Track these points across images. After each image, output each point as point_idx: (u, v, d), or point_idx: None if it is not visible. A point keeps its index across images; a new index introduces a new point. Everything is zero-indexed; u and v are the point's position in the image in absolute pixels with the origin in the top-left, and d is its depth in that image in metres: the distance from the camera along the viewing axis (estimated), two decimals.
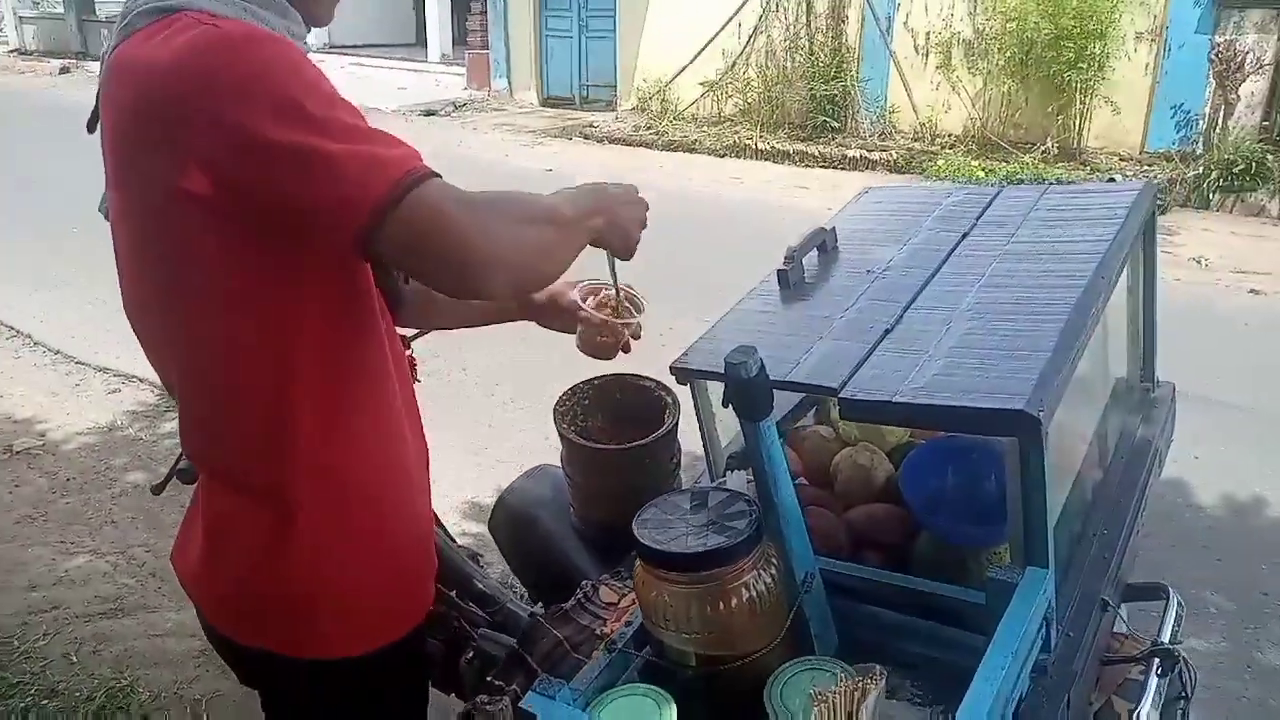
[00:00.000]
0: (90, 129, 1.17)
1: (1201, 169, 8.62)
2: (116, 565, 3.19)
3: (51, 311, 5.47)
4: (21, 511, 3.48)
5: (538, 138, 11.48)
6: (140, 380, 4.54)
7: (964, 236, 1.46)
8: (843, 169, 10.04)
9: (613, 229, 1.20)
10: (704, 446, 1.39)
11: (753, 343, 1.26)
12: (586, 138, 11.48)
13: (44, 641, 2.80)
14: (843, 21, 10.84)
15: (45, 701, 2.54)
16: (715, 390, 1.28)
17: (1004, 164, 9.40)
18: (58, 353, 4.93)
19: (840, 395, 1.12)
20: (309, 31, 1.17)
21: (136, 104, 1.01)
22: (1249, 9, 8.75)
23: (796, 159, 10.35)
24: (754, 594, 1.11)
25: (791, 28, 11.11)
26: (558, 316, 1.47)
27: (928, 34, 10.43)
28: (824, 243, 1.49)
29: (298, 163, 0.95)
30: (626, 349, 1.43)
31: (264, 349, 1.09)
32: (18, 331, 5.22)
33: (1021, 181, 8.98)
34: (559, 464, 1.69)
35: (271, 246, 1.04)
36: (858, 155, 10.13)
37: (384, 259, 1.03)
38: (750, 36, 11.35)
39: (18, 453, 3.91)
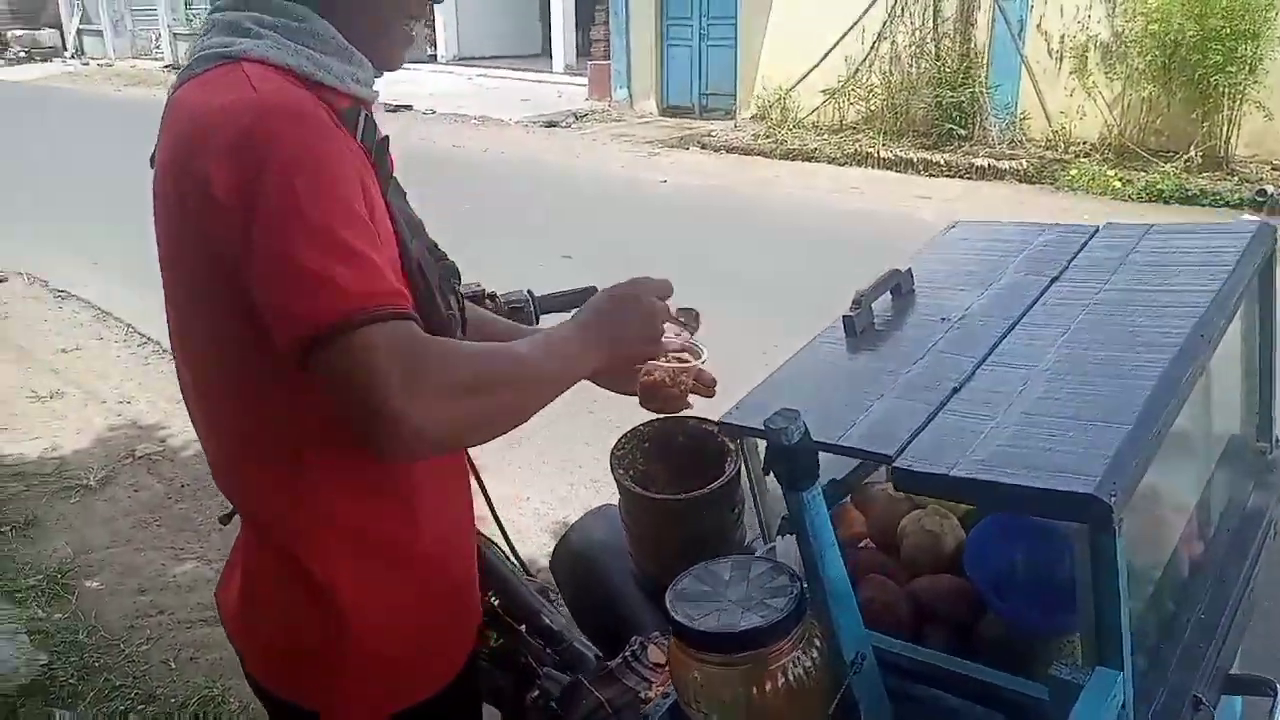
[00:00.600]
0: (152, 163, 1.17)
1: None
2: (220, 573, 3.29)
3: None
4: (139, 516, 3.64)
5: (654, 148, 11.48)
6: None
7: (1053, 281, 1.33)
8: (969, 178, 9.68)
9: (615, 362, 1.13)
10: (755, 508, 1.31)
11: (811, 397, 1.19)
12: (704, 147, 11.42)
13: (146, 646, 2.91)
14: (971, 25, 10.46)
15: (142, 706, 2.63)
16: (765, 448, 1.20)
17: (1143, 173, 8.90)
18: None
19: (894, 464, 1.03)
20: (378, 76, 1.15)
21: (175, 151, 1.01)
22: None
23: (920, 167, 10.04)
24: (794, 676, 1.03)
25: (917, 33, 10.78)
26: (613, 379, 1.35)
27: (1062, 37, 9.97)
28: (899, 285, 1.39)
29: (271, 259, 0.93)
30: (687, 402, 1.34)
31: (278, 413, 1.06)
32: (149, 339, 5.49)
33: (1162, 192, 8.51)
34: None
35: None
36: (985, 164, 9.76)
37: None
38: (874, 42, 11.07)
39: (139, 457, 4.10)
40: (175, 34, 24.19)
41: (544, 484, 3.79)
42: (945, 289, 1.39)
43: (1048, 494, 0.92)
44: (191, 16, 24.45)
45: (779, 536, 1.21)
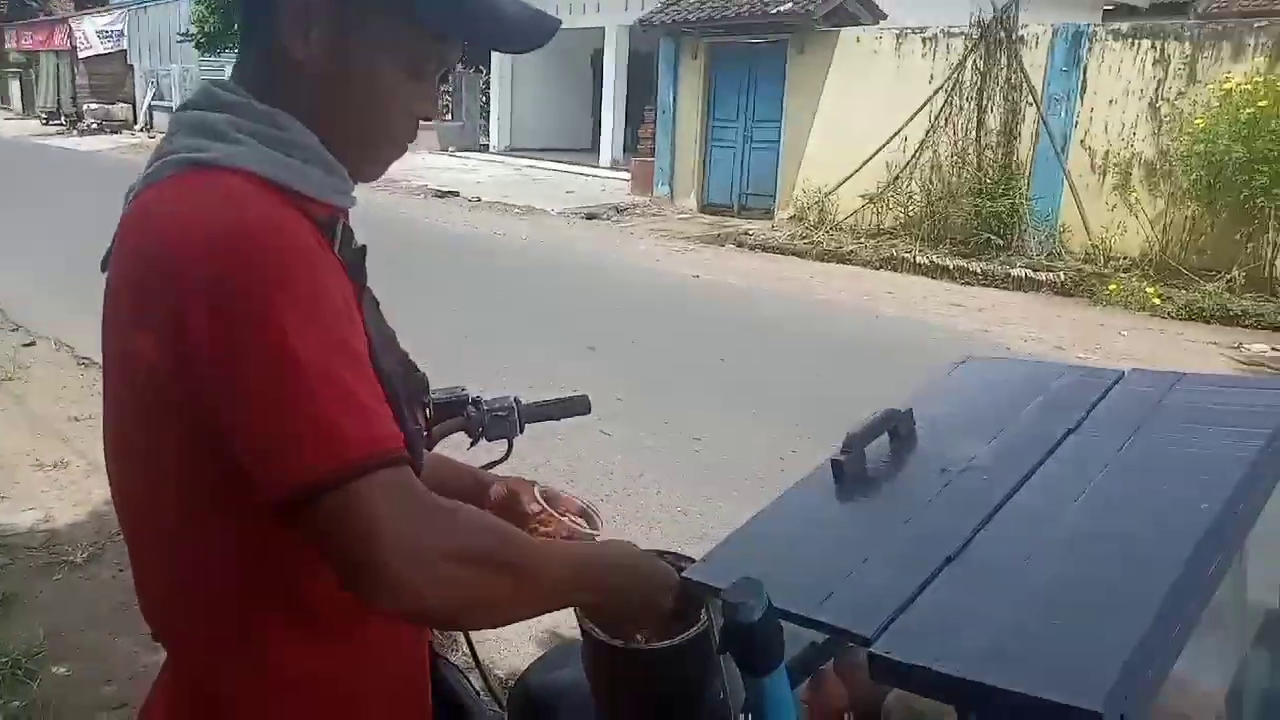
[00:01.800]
0: (103, 267, 1.09)
1: None
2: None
3: None
4: (120, 598, 3.51)
5: (690, 244, 11.51)
6: None
7: (1069, 434, 1.20)
8: (1005, 288, 9.57)
9: (604, 613, 1.08)
10: (721, 681, 1.16)
11: (787, 554, 1.06)
12: (739, 245, 11.43)
13: None
14: (1015, 138, 10.48)
15: None
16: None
17: (1183, 291, 8.75)
18: None
19: (871, 649, 0.89)
20: (354, 187, 1.06)
21: (140, 265, 0.91)
22: None
23: (956, 275, 9.96)
24: None
25: (960, 143, 10.82)
26: (508, 516, 1.28)
27: (1106, 153, 9.95)
28: (897, 427, 1.26)
29: (260, 414, 0.83)
30: None
31: (214, 551, 0.95)
32: None
33: (1203, 311, 8.33)
34: None
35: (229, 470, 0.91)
36: (1022, 274, 9.65)
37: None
38: (917, 150, 11.12)
39: None
40: (151, 107, 25.05)
41: None
42: (950, 433, 1.26)
43: (1045, 706, 0.78)
44: None
45: (744, 716, 1.06)
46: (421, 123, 1.06)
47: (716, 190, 13.75)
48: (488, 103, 21.16)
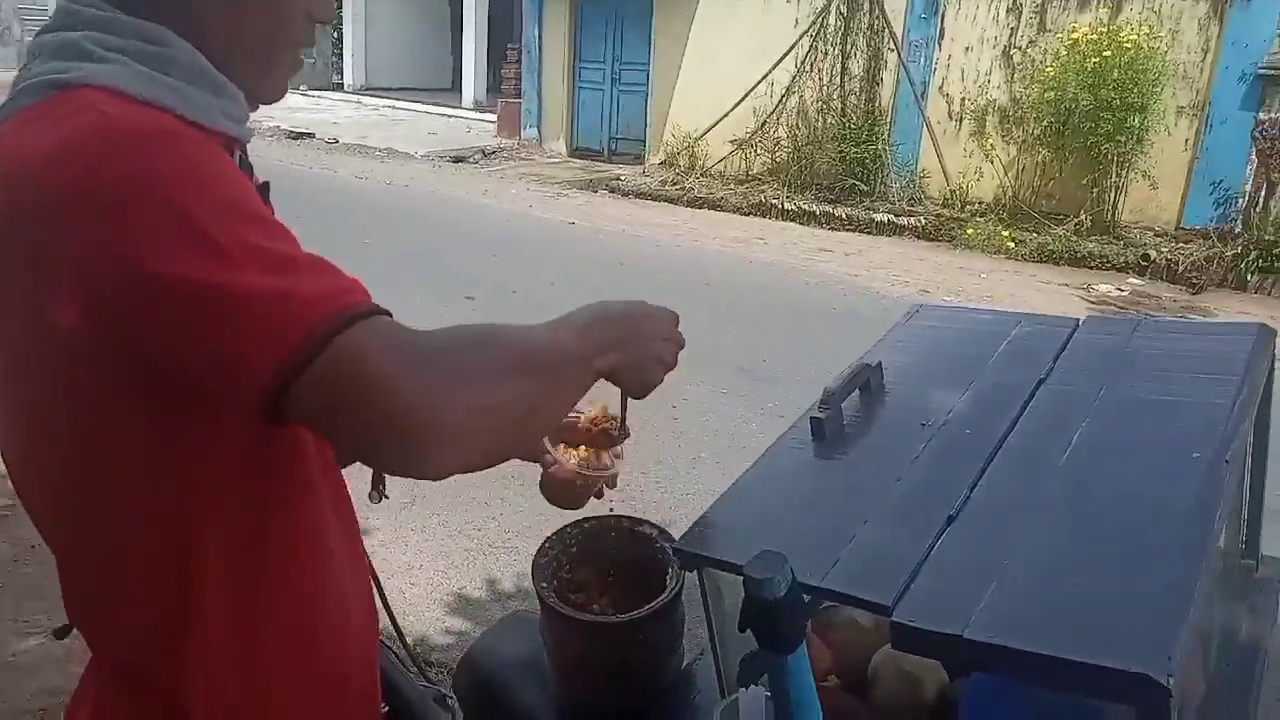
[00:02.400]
0: None
1: (1240, 248, 8.35)
2: (70, 651, 2.90)
3: None
4: None
5: (563, 189, 11.33)
6: None
7: (1040, 384, 1.19)
8: (870, 233, 9.83)
9: (629, 369, 0.94)
10: (713, 650, 1.12)
11: (780, 520, 1.01)
12: (612, 191, 11.33)
13: None
14: (877, 84, 10.69)
15: None
16: (730, 581, 1.02)
17: (1035, 234, 9.17)
18: None
19: (893, 618, 0.85)
20: (253, 110, 0.93)
21: (6, 204, 0.78)
22: None
23: (823, 220, 10.15)
24: None
25: (825, 89, 10.96)
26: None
27: (963, 100, 10.26)
28: (868, 380, 1.23)
29: (187, 305, 0.72)
30: (599, 495, 1.19)
31: (159, 523, 0.85)
32: None
33: (1053, 253, 8.76)
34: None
35: (167, 401, 0.80)
36: (885, 220, 9.92)
37: (306, 425, 0.79)
38: (783, 96, 11.20)
39: None
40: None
41: (437, 548, 3.52)
42: (920, 385, 1.24)
43: (1091, 671, 0.76)
44: None
45: (742, 687, 1.02)
46: None
47: (586, 134, 13.54)
48: (340, 39, 20.17)
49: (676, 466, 4.16)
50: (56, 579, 2.82)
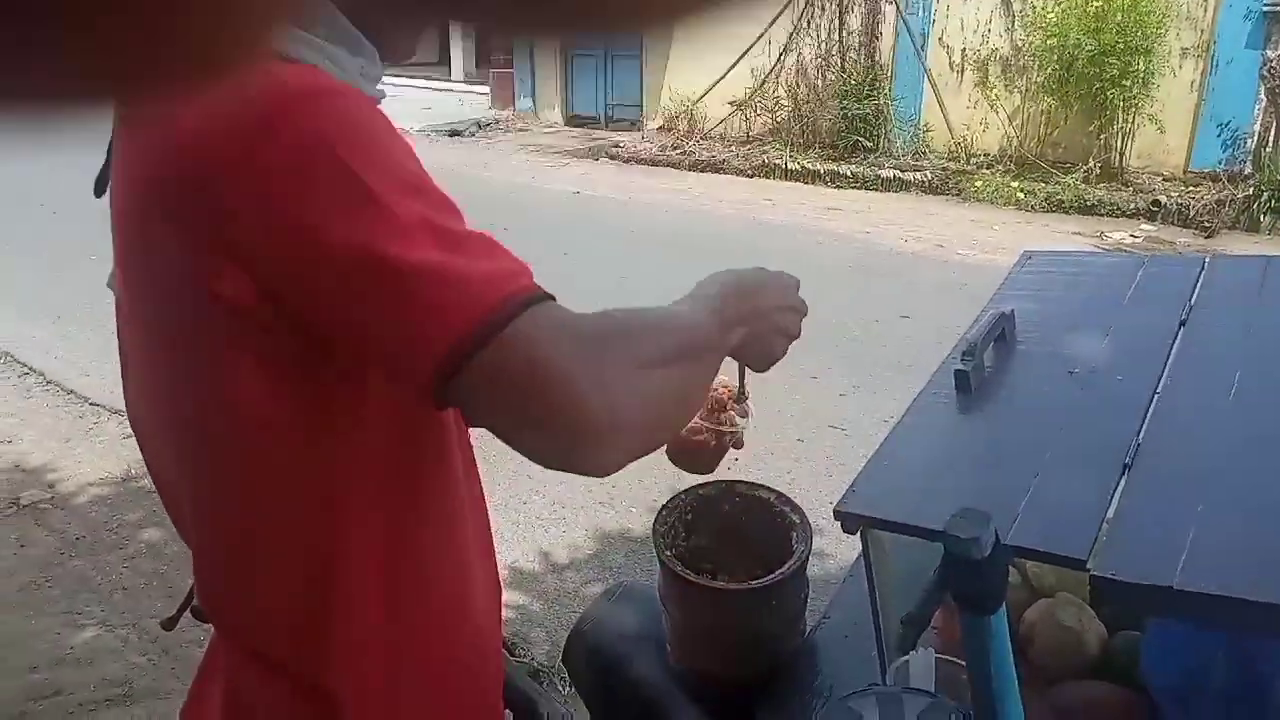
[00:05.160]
0: (98, 192, 0.90)
1: (1251, 190, 8.30)
2: (126, 640, 2.91)
3: (65, 347, 5.22)
4: (26, 576, 3.20)
5: (563, 158, 11.23)
6: None
7: (1181, 325, 1.16)
8: (875, 190, 9.75)
9: (756, 342, 0.93)
10: (874, 615, 1.09)
11: (943, 476, 0.98)
12: (612, 158, 11.23)
13: None
14: (876, 39, 10.56)
15: None
16: (895, 542, 0.99)
17: (1043, 184, 9.10)
18: (71, 393, 4.67)
19: (1092, 573, 0.82)
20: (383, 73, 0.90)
21: (158, 169, 0.74)
22: None
23: (828, 179, 10.07)
24: None
25: (823, 45, 10.84)
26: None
27: (963, 50, 10.15)
28: (1003, 331, 1.19)
29: (358, 276, 0.69)
30: (730, 449, 1.17)
31: (305, 504, 0.83)
32: (30, 369, 4.96)
33: (1063, 202, 8.70)
34: (650, 583, 1.41)
35: (321, 373, 0.78)
36: (891, 175, 9.84)
37: (464, 411, 0.76)
38: (780, 54, 11.08)
39: (25, 507, 3.64)
40: None
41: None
42: (1053, 333, 1.20)
43: None
44: None
45: (912, 651, 0.99)
46: None
47: (582, 102, 13.40)
48: None
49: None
50: (104, 569, 2.82)
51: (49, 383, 4.81)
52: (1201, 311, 1.18)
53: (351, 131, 0.72)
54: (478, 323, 0.68)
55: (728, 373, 1.10)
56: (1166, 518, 0.86)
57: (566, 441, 0.72)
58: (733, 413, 1.16)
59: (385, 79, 0.89)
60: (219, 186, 0.70)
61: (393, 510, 0.87)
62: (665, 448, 1.19)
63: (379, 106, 0.79)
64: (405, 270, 0.69)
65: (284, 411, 0.79)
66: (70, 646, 2.87)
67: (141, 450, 0.99)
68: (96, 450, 4.11)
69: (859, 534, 0.99)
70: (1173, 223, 8.31)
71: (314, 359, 0.77)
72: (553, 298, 0.74)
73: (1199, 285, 1.24)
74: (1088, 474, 0.94)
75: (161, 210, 0.74)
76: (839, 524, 0.96)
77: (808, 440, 3.93)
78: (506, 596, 3.08)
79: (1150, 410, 1.02)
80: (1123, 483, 0.92)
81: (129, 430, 4.41)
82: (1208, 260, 1.32)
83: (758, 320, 0.91)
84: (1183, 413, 1.01)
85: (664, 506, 1.35)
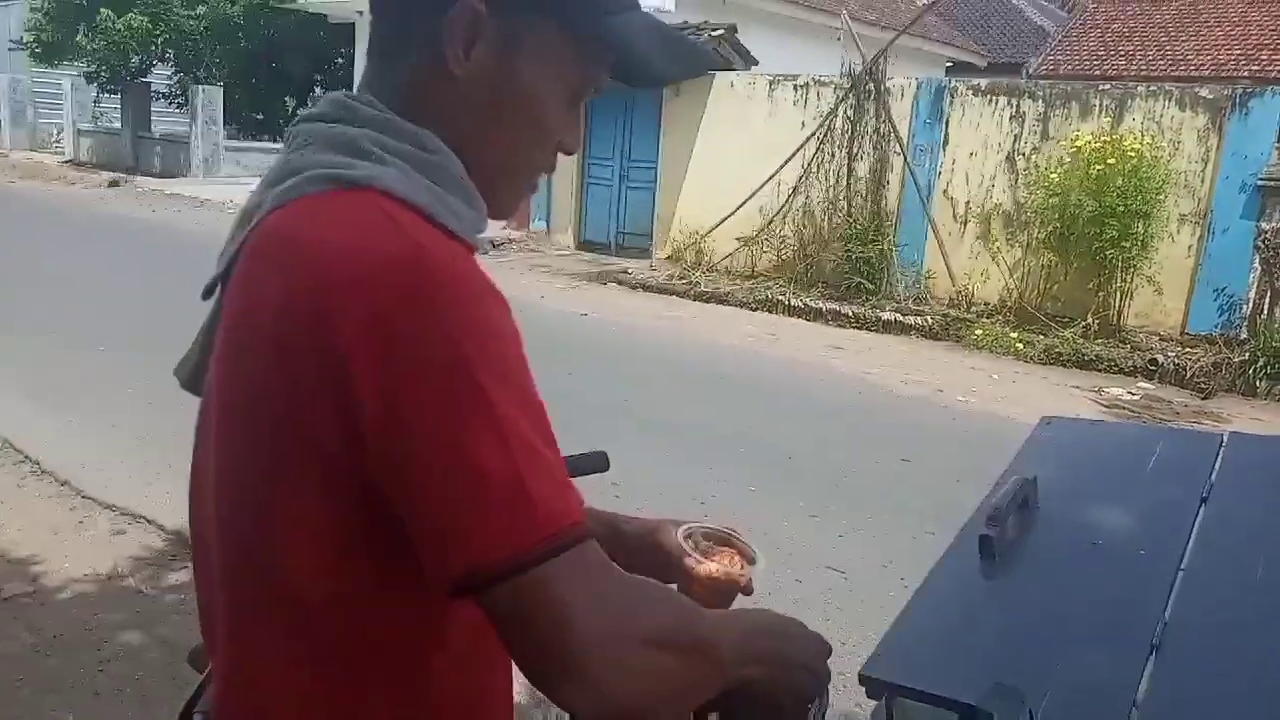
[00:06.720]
0: (206, 295, 0.92)
1: (1247, 354, 8.43)
2: None
3: (64, 436, 5.20)
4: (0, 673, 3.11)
5: (573, 281, 11.44)
6: (148, 522, 4.22)
7: (1202, 501, 1.17)
8: (876, 330, 9.91)
9: (767, 684, 0.92)
10: None
11: (970, 646, 0.97)
12: (620, 284, 11.44)
13: None
14: (883, 186, 10.90)
15: None
16: (918, 711, 0.97)
17: (1042, 336, 9.25)
18: (65, 484, 4.63)
19: None
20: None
21: (288, 297, 0.76)
22: None
23: (829, 317, 10.24)
24: None
25: (831, 189, 11.18)
26: (652, 561, 1.16)
27: (967, 203, 10.46)
28: (1026, 498, 1.20)
29: (436, 466, 0.72)
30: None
31: (327, 621, 0.83)
32: (26, 457, 4.93)
33: (1061, 355, 8.82)
34: None
35: (376, 527, 0.79)
36: (892, 318, 10.01)
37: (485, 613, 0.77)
38: (789, 195, 11.41)
39: (6, 600, 3.56)
40: (80, 130, 23.54)
41: None
42: (1075, 502, 1.22)
43: None
44: (99, 115, 23.90)
45: None
46: None
47: (594, 228, 13.74)
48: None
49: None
50: (78, 670, 2.75)
51: (43, 472, 4.77)
52: (1223, 489, 1.20)
53: (481, 328, 0.74)
54: (521, 550, 0.71)
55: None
56: (1197, 703, 0.86)
57: (556, 681, 0.74)
58: (738, 562, 1.16)
59: None
60: (338, 333, 0.72)
61: (408, 633, 0.86)
62: (677, 589, 1.19)
63: (507, 304, 0.80)
64: (488, 481, 0.71)
65: (325, 541, 0.79)
66: None
67: (194, 548, 0.97)
68: (85, 544, 4.05)
69: (882, 701, 0.98)
70: (1170, 382, 8.41)
71: (375, 515, 0.77)
72: (592, 538, 0.76)
73: (1219, 462, 1.26)
74: (1116, 652, 0.94)
75: (268, 334, 0.76)
76: (863, 689, 0.95)
77: (806, 581, 3.88)
78: None
79: (1175, 587, 1.02)
80: (1150, 664, 0.92)
81: (119, 527, 4.35)
82: (1226, 437, 1.34)
83: (778, 667, 0.91)
84: (1209, 592, 1.01)
85: None
